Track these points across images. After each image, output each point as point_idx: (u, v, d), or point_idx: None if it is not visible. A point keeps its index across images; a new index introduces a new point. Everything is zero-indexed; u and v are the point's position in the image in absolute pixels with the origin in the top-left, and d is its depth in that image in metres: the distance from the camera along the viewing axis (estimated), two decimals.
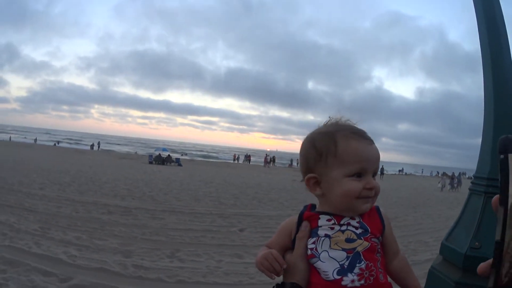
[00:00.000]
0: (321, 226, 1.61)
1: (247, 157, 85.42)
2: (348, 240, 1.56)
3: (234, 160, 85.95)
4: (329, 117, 1.77)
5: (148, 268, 7.90)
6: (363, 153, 1.60)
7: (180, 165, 51.54)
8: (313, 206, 1.74)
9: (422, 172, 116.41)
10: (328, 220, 1.61)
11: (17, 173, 22.52)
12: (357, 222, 1.61)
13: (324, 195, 1.63)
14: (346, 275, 1.49)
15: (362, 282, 1.50)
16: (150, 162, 51.24)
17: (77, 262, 7.86)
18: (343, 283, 1.49)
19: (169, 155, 56.45)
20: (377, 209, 1.71)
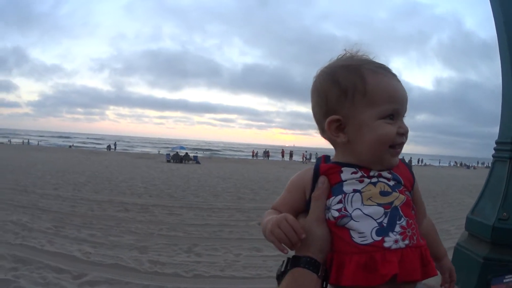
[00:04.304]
0: (345, 181, 1.36)
1: (266, 153, 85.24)
2: (383, 193, 1.33)
3: (252, 156, 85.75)
4: (344, 50, 1.47)
5: (164, 263, 7.76)
6: (396, 92, 1.37)
7: (198, 162, 51.27)
8: (327, 158, 1.49)
9: (440, 162, 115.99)
10: (354, 172, 1.37)
11: (30, 175, 22.53)
12: (388, 173, 1.39)
13: (350, 142, 1.38)
14: (388, 235, 1.26)
15: (407, 242, 1.28)
16: (168, 161, 51.12)
17: (91, 258, 7.75)
18: (385, 244, 1.25)
19: (186, 153, 56.51)
20: (403, 160, 1.49)
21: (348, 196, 1.33)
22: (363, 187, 1.34)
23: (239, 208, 14.93)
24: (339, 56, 1.47)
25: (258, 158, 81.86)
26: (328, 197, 1.37)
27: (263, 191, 21.01)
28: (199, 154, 72.84)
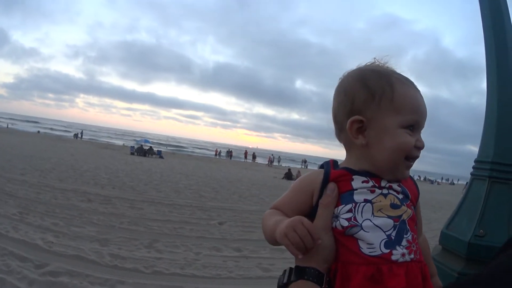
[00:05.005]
0: (356, 189, 1.35)
1: (229, 153, 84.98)
2: (393, 206, 1.34)
3: (216, 155, 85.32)
4: (374, 58, 1.49)
5: (124, 257, 7.86)
6: (420, 105, 1.39)
7: (161, 157, 51.10)
8: (335, 163, 1.47)
9: None
10: (365, 181, 1.37)
11: None
12: (398, 186, 1.39)
13: (368, 146, 1.37)
14: (395, 248, 1.27)
15: (412, 256, 1.28)
16: (132, 153, 50.81)
17: (53, 248, 7.82)
18: (393, 257, 1.25)
19: (151, 147, 56.18)
20: (410, 175, 1.51)
21: (359, 205, 1.32)
22: (374, 198, 1.33)
23: (201, 206, 15.03)
24: (368, 63, 1.48)
25: (221, 158, 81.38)
26: (336, 205, 1.34)
27: (224, 191, 21.18)
28: (163, 149, 72.37)
